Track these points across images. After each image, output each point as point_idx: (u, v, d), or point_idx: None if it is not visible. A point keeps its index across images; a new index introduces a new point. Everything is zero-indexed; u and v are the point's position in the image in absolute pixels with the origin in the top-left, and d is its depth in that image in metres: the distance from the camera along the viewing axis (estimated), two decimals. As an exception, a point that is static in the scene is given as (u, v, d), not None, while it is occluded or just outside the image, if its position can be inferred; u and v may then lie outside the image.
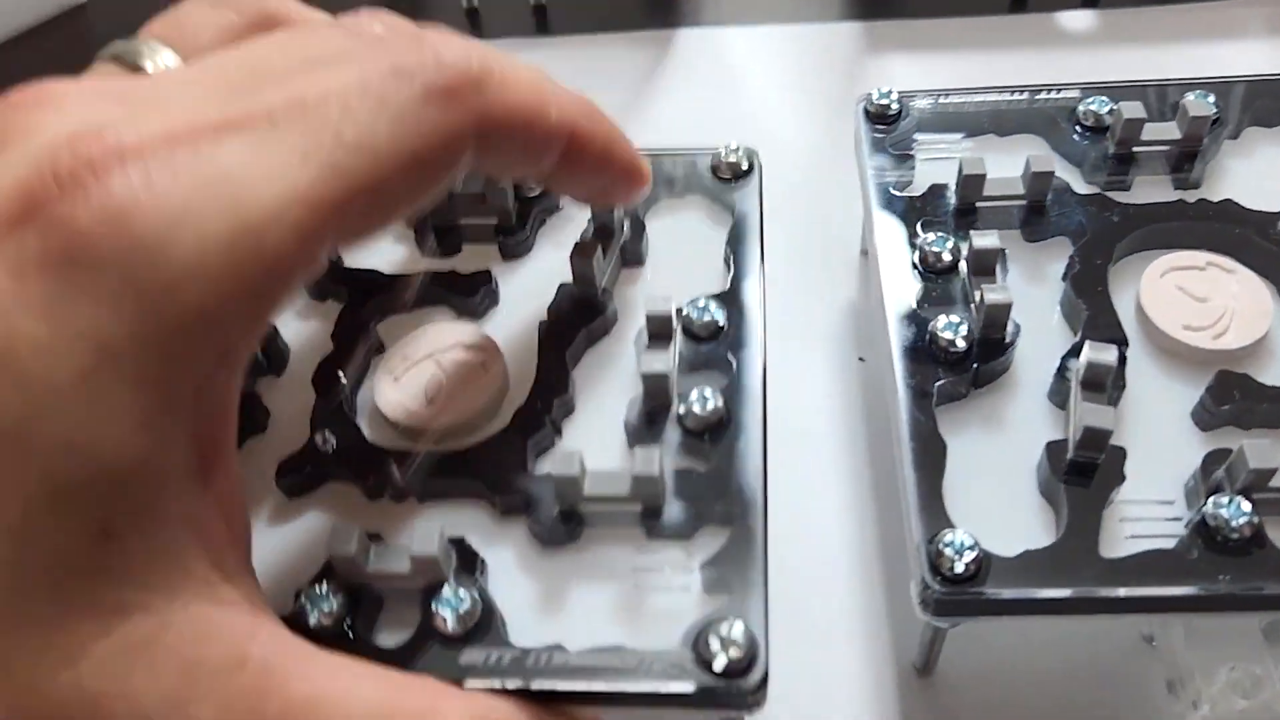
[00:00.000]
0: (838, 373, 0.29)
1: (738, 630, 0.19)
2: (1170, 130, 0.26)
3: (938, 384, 0.23)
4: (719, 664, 0.18)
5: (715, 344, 0.23)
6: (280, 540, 0.22)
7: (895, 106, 0.27)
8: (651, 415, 0.22)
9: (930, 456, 0.22)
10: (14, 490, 0.13)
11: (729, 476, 0.21)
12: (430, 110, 0.17)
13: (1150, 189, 0.26)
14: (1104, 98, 0.27)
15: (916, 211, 0.26)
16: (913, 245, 0.25)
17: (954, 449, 0.22)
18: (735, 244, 0.25)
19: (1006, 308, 0.23)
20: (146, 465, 0.14)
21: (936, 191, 0.26)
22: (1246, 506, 0.20)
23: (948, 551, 0.20)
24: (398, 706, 0.16)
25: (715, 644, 0.19)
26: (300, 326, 0.25)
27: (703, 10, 0.40)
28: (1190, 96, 0.26)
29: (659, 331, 0.23)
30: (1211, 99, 0.27)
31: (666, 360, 0.22)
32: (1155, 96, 0.27)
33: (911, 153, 0.27)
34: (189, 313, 0.14)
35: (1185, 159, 0.26)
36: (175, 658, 0.14)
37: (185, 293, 0.14)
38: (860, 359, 0.30)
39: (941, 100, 0.28)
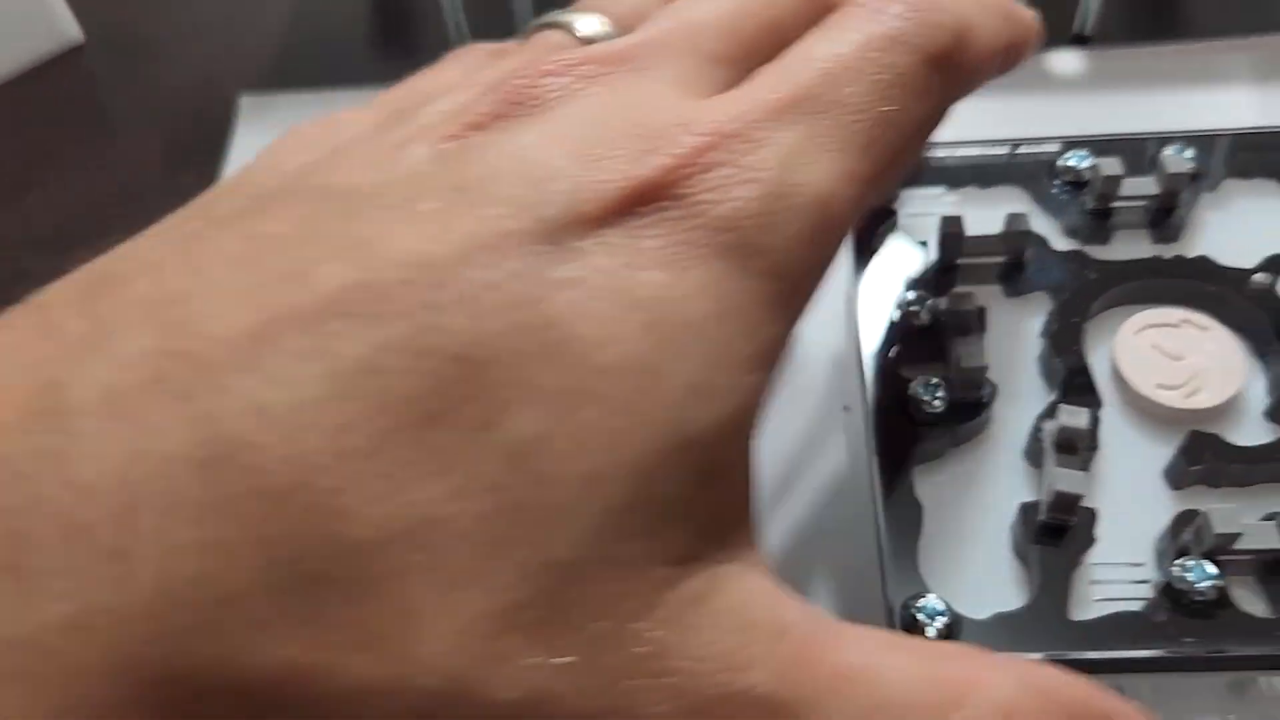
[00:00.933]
0: (825, 422, 0.30)
1: None
2: (1149, 185, 0.27)
3: (915, 445, 0.23)
4: None
5: None
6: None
7: (878, 161, 0.28)
8: None
9: (905, 519, 0.22)
10: (641, 424, 0.13)
11: None
12: (932, 77, 0.18)
13: (1129, 244, 0.26)
14: (1083, 152, 0.27)
15: (896, 269, 0.26)
16: (893, 302, 0.25)
17: (930, 510, 0.23)
18: None
19: (981, 370, 0.23)
20: (748, 410, 0.15)
21: (916, 249, 0.27)
22: (1212, 569, 0.21)
23: (920, 616, 0.21)
24: (936, 676, 0.15)
25: None
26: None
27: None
28: (1168, 151, 0.27)
29: None
30: (1190, 153, 0.27)
31: None
32: (1134, 150, 0.28)
33: (893, 207, 0.27)
34: (792, 277, 0.15)
35: (1164, 214, 0.27)
36: (729, 616, 0.14)
37: (791, 260, 0.15)
38: (845, 408, 0.30)
39: (923, 153, 0.28)
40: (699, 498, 0.14)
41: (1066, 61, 0.39)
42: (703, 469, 0.14)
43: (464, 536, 0.12)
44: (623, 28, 0.19)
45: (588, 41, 0.19)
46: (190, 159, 0.39)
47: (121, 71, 0.43)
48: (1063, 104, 0.38)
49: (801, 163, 0.16)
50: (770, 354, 0.15)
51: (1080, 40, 0.39)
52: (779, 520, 0.26)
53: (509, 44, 0.21)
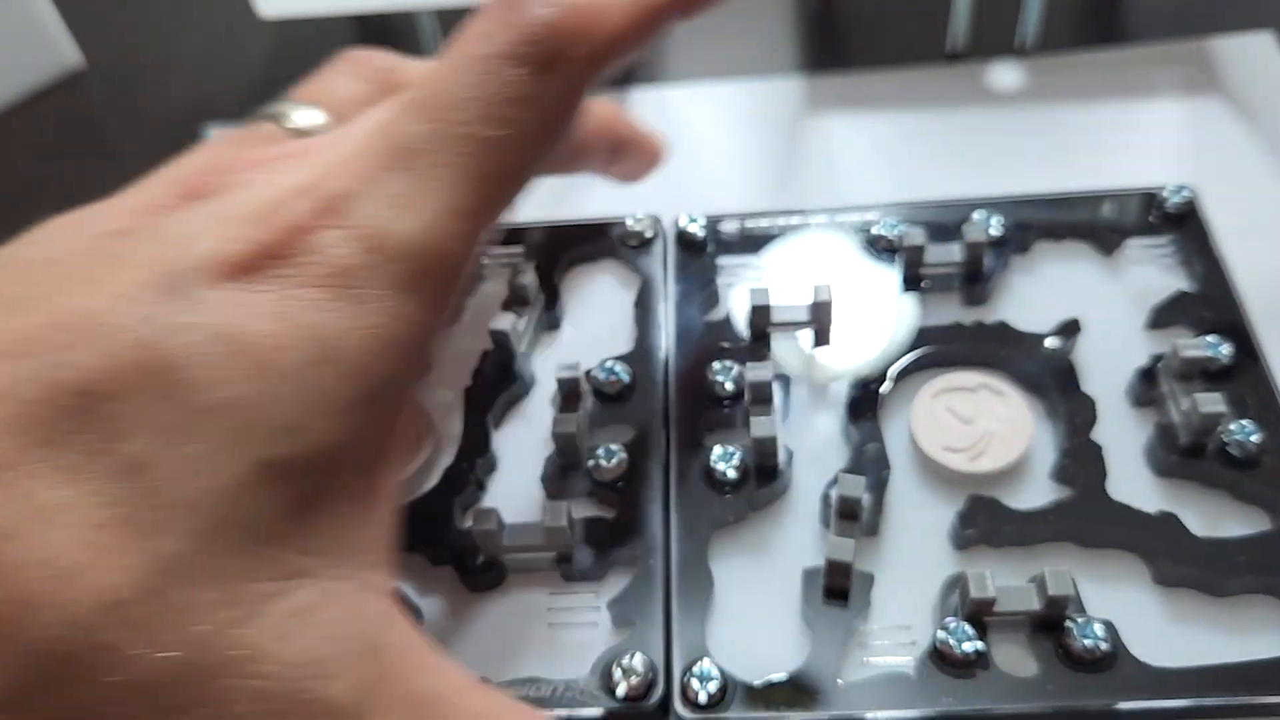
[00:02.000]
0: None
1: (638, 660, 0.22)
2: (953, 252, 0.28)
3: (711, 511, 0.24)
4: (620, 690, 0.22)
5: (622, 401, 0.26)
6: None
7: (702, 231, 0.29)
8: (564, 469, 0.25)
9: (697, 585, 0.23)
10: (236, 458, 0.16)
11: (633, 523, 0.24)
12: (540, 86, 0.18)
13: (940, 309, 0.28)
14: (892, 219, 0.28)
15: (713, 338, 0.27)
16: (701, 372, 0.26)
17: (724, 575, 0.23)
18: (641, 307, 0.28)
19: (773, 440, 0.24)
20: (344, 447, 0.17)
21: (736, 318, 0.28)
22: (970, 630, 0.22)
23: (694, 682, 0.22)
24: (503, 715, 0.18)
25: (618, 673, 0.22)
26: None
27: (640, 68, 0.42)
28: (974, 217, 0.28)
29: (570, 393, 0.26)
30: (996, 219, 0.28)
31: (574, 421, 0.25)
32: (948, 215, 0.29)
33: (714, 277, 0.29)
34: (404, 319, 0.17)
35: (971, 279, 0.28)
36: (328, 629, 0.16)
37: (399, 305, 0.17)
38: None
39: (747, 223, 0.30)
40: (299, 523, 0.16)
41: (1007, 74, 0.40)
42: (298, 498, 0.16)
43: (78, 539, 0.15)
44: (340, 117, 0.21)
45: (301, 134, 0.21)
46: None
47: (120, 97, 0.45)
48: (1004, 113, 0.40)
49: (399, 211, 0.17)
50: (380, 392, 0.17)
51: (1018, 52, 0.40)
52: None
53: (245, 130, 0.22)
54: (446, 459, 0.26)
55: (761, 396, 0.25)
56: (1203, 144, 0.38)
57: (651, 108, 0.41)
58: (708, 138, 0.40)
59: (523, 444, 0.26)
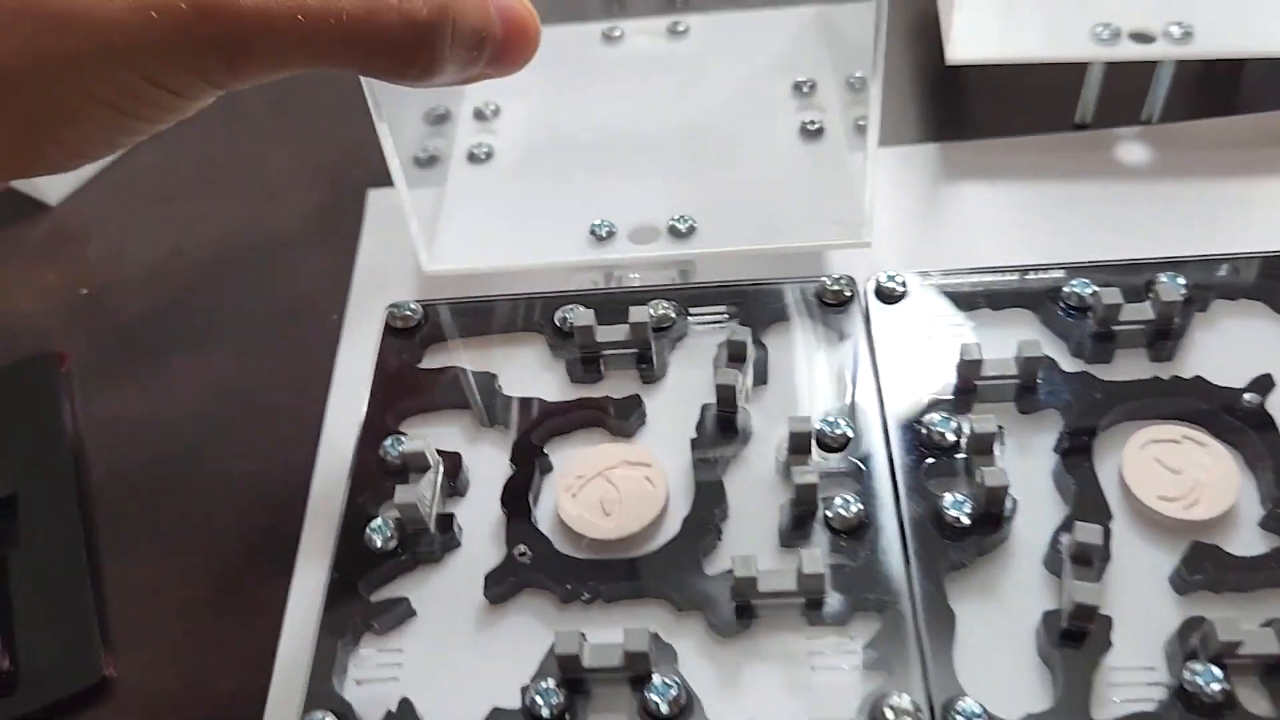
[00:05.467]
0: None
1: (906, 700, 0.23)
2: (1145, 311, 0.29)
3: (946, 555, 0.26)
4: None
5: (844, 453, 0.28)
6: (491, 643, 0.26)
7: (900, 288, 0.31)
8: (800, 519, 0.27)
9: (941, 625, 0.25)
10: None
11: (875, 569, 0.25)
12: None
13: (1130, 364, 0.29)
14: (1085, 280, 0.30)
15: (922, 389, 0.29)
16: (919, 424, 0.28)
17: (962, 616, 0.25)
18: (846, 362, 0.30)
19: (1004, 489, 0.26)
20: None
21: (939, 370, 0.29)
22: (1218, 673, 0.23)
23: (959, 719, 0.23)
24: None
25: (890, 714, 0.23)
26: (478, 452, 0.29)
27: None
28: (1163, 279, 0.30)
29: (800, 444, 0.27)
30: (1181, 280, 0.30)
31: (815, 471, 0.26)
32: (1131, 275, 0.30)
33: (916, 330, 0.30)
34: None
35: (1160, 336, 0.29)
36: None
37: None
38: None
39: (942, 279, 0.31)
40: None
41: (1134, 148, 0.41)
42: None
43: None
44: None
45: None
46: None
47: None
48: (1129, 185, 0.40)
49: None
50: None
51: (1144, 120, 0.41)
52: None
53: None
54: (678, 507, 0.27)
55: (984, 447, 0.27)
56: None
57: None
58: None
59: (750, 493, 0.28)
